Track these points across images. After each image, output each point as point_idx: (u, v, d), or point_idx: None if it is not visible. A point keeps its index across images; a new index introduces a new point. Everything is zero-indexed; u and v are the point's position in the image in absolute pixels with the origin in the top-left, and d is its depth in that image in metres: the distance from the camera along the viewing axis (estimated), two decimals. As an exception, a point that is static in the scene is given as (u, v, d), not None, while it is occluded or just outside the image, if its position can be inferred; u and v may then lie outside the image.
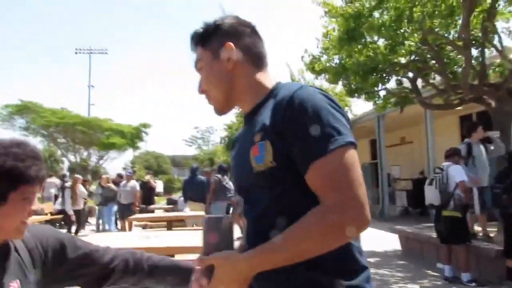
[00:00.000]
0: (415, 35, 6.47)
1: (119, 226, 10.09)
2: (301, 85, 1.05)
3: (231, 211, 10.03)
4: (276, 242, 0.96)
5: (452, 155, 5.36)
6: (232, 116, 17.97)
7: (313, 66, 7.24)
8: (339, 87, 8.72)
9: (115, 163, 28.31)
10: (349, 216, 0.92)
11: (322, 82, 9.36)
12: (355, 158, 0.97)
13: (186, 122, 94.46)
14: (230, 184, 9.51)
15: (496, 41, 6.31)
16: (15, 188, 1.08)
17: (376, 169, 13.41)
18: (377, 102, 7.94)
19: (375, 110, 8.08)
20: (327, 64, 7.08)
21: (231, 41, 1.12)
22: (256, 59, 1.15)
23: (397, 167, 14.21)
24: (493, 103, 6.36)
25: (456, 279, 5.02)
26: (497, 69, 6.97)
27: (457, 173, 5.08)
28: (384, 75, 6.93)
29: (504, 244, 4.74)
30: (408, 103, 7.52)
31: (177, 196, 11.49)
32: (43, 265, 1.20)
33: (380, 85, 7.05)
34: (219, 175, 9.41)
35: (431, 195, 5.28)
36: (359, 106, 19.91)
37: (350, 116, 15.50)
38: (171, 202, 11.35)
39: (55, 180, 12.89)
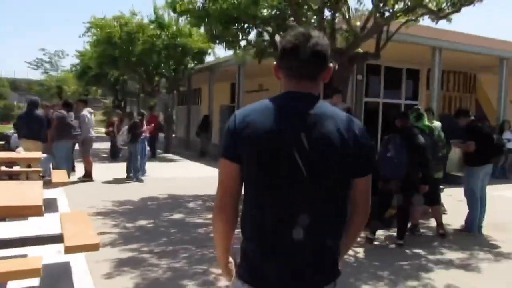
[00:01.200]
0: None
1: None
2: None
3: (77, 149, 9.28)
4: None
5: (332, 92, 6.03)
6: (86, 44, 16.04)
7: (175, 6, 6.78)
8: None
9: None
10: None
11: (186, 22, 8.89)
12: (221, 167, 1.39)
13: (31, 42, 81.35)
14: (75, 122, 8.68)
15: (345, 8, 6.77)
16: None
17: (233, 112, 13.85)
18: (238, 51, 7.94)
19: (234, 59, 8.12)
20: (190, 6, 6.70)
21: None
22: None
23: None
24: (336, 67, 6.97)
25: None
26: (343, 34, 7.56)
27: None
28: (246, 26, 6.91)
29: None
30: (266, 56, 7.72)
31: (11, 131, 9.94)
32: None
33: (240, 35, 7.04)
34: (63, 111, 8.49)
35: None
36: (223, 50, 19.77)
37: (212, 58, 15.41)
38: (2, 137, 9.88)
39: None
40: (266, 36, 7.68)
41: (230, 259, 1.49)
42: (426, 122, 5.22)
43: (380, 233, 5.31)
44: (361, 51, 7.50)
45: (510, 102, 14.16)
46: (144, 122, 10.22)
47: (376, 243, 5.02)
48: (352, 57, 6.77)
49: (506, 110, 11.51)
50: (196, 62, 15.30)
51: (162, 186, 8.43)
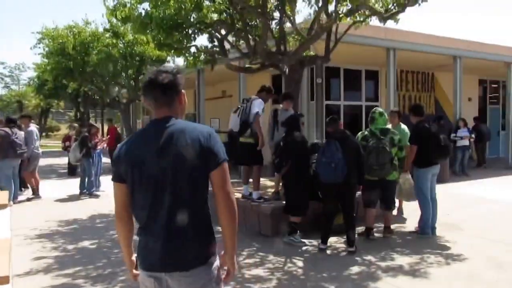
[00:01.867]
0: (223, -7, 6.32)
1: None
2: None
3: (25, 169, 8.78)
4: None
5: (260, 91, 5.90)
6: (39, 55, 15.26)
7: (116, 13, 6.46)
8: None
9: None
10: None
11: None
12: (113, 187, 1.81)
13: (-9, 54, 77.81)
14: (21, 138, 8.20)
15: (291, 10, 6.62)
16: None
17: (195, 121, 13.51)
18: (188, 58, 7.68)
19: (186, 66, 7.82)
20: (132, 12, 6.39)
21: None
22: None
23: (216, 120, 14.59)
24: (287, 71, 6.83)
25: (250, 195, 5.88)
26: (295, 37, 7.42)
27: (256, 105, 5.52)
28: (190, 32, 6.66)
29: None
30: (218, 62, 7.49)
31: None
32: None
33: (185, 41, 6.77)
34: (6, 129, 8.01)
35: (233, 122, 5.66)
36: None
37: (173, 65, 15.02)
38: None
39: None
40: (216, 42, 7.45)
41: (133, 257, 1.87)
42: (380, 125, 5.15)
43: (334, 240, 5.16)
44: (313, 53, 7.39)
45: (468, 100, 14.48)
46: (98, 135, 9.80)
47: (328, 252, 4.86)
48: (301, 60, 6.64)
49: (462, 107, 11.68)
50: (155, 70, 14.89)
51: (116, 201, 8.04)
